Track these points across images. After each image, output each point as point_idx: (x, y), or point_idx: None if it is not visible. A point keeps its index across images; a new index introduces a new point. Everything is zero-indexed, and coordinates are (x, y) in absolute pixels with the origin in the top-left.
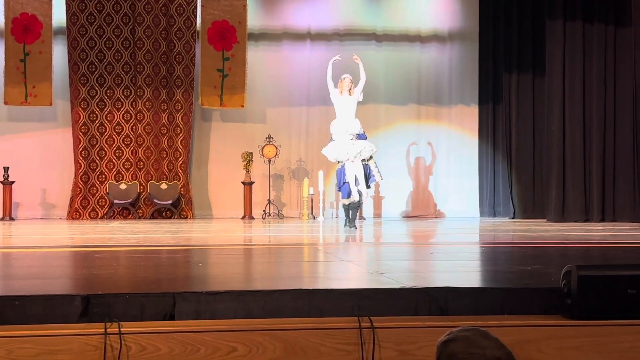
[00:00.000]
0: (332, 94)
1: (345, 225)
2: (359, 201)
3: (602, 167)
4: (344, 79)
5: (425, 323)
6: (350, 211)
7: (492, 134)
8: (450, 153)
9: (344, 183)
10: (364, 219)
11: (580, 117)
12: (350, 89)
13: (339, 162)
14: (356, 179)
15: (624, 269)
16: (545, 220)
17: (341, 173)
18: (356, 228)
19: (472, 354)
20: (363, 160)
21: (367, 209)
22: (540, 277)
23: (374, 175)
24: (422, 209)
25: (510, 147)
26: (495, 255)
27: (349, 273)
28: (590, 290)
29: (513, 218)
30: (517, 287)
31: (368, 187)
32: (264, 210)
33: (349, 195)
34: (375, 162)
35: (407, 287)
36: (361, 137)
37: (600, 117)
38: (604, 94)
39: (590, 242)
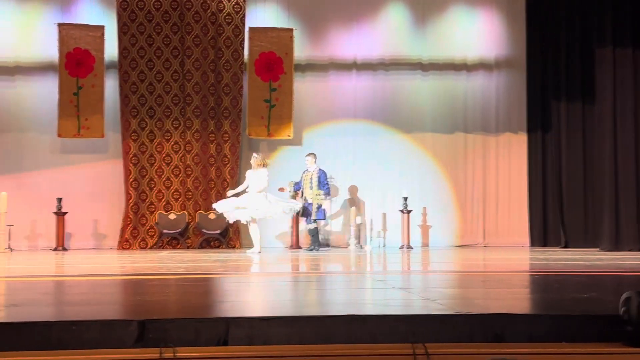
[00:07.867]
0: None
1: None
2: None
3: None
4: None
5: (481, 350)
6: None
7: (541, 162)
8: (498, 182)
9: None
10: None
11: (632, 144)
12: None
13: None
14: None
15: None
16: (598, 249)
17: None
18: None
19: None
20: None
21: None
22: (597, 304)
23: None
24: (471, 237)
25: (560, 175)
26: (548, 283)
27: (400, 300)
28: None
29: (564, 247)
30: (574, 314)
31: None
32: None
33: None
34: None
35: (462, 313)
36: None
37: None
38: None
39: None
